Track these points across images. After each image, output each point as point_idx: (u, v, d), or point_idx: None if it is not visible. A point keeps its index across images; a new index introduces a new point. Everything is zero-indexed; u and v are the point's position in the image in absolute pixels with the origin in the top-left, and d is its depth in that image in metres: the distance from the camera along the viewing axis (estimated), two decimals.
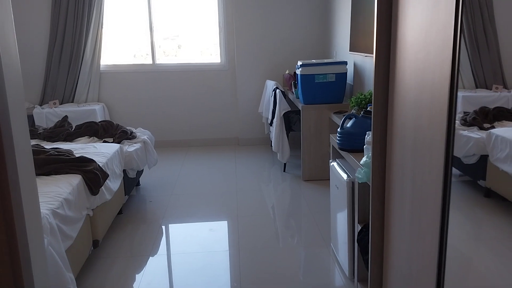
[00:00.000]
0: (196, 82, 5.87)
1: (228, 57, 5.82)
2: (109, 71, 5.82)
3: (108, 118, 5.72)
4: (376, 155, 1.93)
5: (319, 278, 2.79)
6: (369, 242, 2.29)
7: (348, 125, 2.67)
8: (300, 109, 4.35)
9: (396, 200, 1.79)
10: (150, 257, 3.09)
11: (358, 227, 2.52)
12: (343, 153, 2.72)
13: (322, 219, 3.59)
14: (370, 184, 1.97)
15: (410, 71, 1.61)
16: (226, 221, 3.64)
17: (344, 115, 3.95)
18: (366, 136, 2.36)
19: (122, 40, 5.91)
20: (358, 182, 2.33)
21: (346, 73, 4.29)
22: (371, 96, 3.60)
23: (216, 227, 3.54)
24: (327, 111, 4.28)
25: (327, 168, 4.37)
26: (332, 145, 3.05)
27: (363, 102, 3.57)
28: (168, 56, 6.05)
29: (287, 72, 5.38)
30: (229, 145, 6.00)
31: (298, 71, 4.35)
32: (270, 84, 5.12)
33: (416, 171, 1.58)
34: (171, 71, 5.85)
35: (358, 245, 2.41)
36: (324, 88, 4.27)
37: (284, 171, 4.76)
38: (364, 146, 2.35)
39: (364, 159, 2.17)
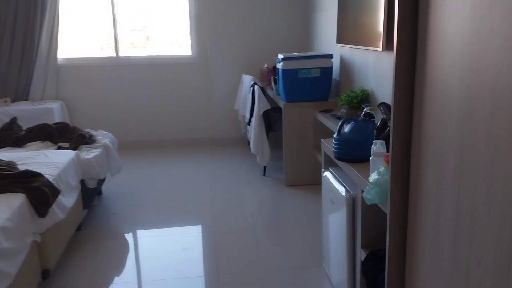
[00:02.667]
0: (165, 76, 5.36)
1: (199, 49, 5.33)
2: (69, 65, 5.25)
3: (67, 117, 5.16)
4: (396, 174, 1.52)
5: None
6: (377, 275, 1.90)
7: (346, 130, 2.26)
8: (282, 107, 3.93)
9: (427, 235, 1.39)
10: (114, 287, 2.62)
11: (361, 253, 2.12)
12: (340, 163, 2.31)
13: (310, 232, 3.19)
14: (388, 211, 1.56)
15: (452, 71, 1.20)
16: (201, 238, 3.20)
17: (331, 114, 3.56)
18: (372, 145, 1.95)
19: (85, 31, 5.34)
20: (367, 203, 1.92)
21: (332, 67, 3.88)
22: (363, 94, 3.21)
23: (191, 245, 3.09)
24: (311, 109, 3.87)
25: (312, 173, 3.98)
26: (324, 152, 2.64)
27: (355, 100, 3.17)
28: (137, 48, 5.52)
29: (265, 66, 4.94)
30: (202, 146, 5.53)
31: (279, 65, 3.92)
32: (247, 79, 4.68)
33: (464, 203, 1.18)
34: (137, 65, 5.32)
35: (363, 276, 2.01)
36: (308, 84, 3.86)
37: (264, 174, 4.34)
38: (371, 158, 1.95)
39: (374, 176, 1.76)
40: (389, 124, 2.35)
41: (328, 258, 2.60)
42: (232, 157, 5.03)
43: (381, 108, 2.42)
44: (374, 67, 3.15)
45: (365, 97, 3.21)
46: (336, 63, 4.02)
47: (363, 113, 2.27)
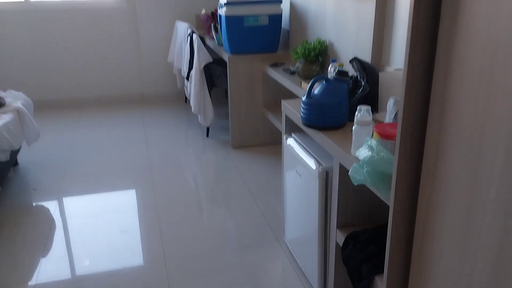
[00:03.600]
0: (85, 25, 4.66)
1: None
2: None
3: None
4: (404, 156, 1.20)
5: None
6: (362, 264, 1.63)
7: (316, 92, 1.91)
8: (226, 60, 3.49)
9: (447, 238, 1.09)
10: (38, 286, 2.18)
11: (337, 234, 1.83)
12: (309, 130, 1.97)
13: (266, 202, 2.88)
14: (391, 201, 1.25)
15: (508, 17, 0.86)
16: (141, 215, 2.78)
17: (284, 69, 3.18)
18: (356, 112, 1.62)
19: None
20: (354, 184, 1.61)
21: (281, 14, 3.47)
22: (321, 46, 2.85)
23: (129, 226, 2.67)
24: (260, 62, 3.47)
25: (262, 133, 3.65)
26: (286, 115, 2.29)
27: (312, 53, 2.81)
28: None
29: (203, 12, 4.40)
30: (132, 104, 4.97)
31: (221, 12, 3.44)
32: (182, 27, 4.15)
33: None
34: (52, 11, 4.56)
35: (344, 263, 1.73)
36: (255, 33, 3.43)
37: (207, 136, 3.93)
38: (354, 128, 1.62)
39: (365, 152, 1.44)
40: (362, 84, 2.02)
41: (292, 234, 2.31)
42: (168, 116, 4.54)
43: (354, 64, 2.09)
44: (334, 15, 2.78)
45: (323, 50, 2.85)
46: (285, 10, 3.60)
47: (335, 71, 1.92)
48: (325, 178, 1.87)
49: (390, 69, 2.00)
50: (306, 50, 2.82)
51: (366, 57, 2.41)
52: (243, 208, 2.82)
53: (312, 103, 1.89)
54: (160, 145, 3.78)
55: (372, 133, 1.53)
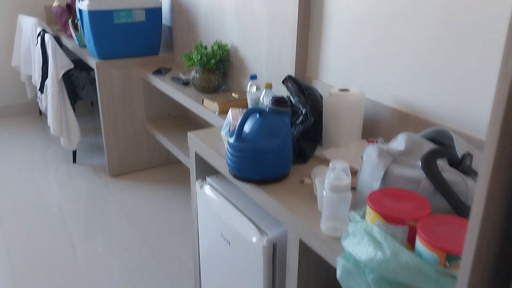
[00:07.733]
0: None
1: None
2: None
3: None
4: (476, 275, 0.70)
5: None
6: None
7: (249, 131, 1.34)
8: (94, 67, 2.71)
9: None
10: None
11: None
12: (242, 184, 1.40)
13: (167, 250, 2.24)
14: None
15: None
16: None
17: (173, 78, 2.51)
18: (329, 172, 1.08)
19: None
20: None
21: (161, 8, 2.79)
22: (222, 51, 2.28)
23: None
24: (138, 69, 2.76)
25: (146, 154, 2.99)
26: (196, 153, 1.68)
27: (212, 60, 2.22)
28: None
29: (56, 3, 3.47)
30: None
31: (82, 5, 2.63)
32: (28, 23, 3.23)
33: None
34: None
35: None
36: (129, 32, 2.70)
37: (74, 162, 3.10)
38: (324, 194, 1.08)
39: (366, 249, 0.91)
40: (303, 112, 1.51)
41: None
42: (19, 134, 3.56)
43: (289, 84, 1.56)
44: (237, 11, 2.21)
45: (224, 56, 2.28)
46: (164, 1, 2.93)
47: (271, 100, 1.36)
48: (273, 254, 1.34)
49: (334, 90, 1.52)
50: (204, 57, 2.21)
51: (287, 69, 1.90)
52: (134, 261, 2.15)
53: (245, 148, 1.32)
54: (11, 176, 2.87)
55: (361, 207, 1.02)
